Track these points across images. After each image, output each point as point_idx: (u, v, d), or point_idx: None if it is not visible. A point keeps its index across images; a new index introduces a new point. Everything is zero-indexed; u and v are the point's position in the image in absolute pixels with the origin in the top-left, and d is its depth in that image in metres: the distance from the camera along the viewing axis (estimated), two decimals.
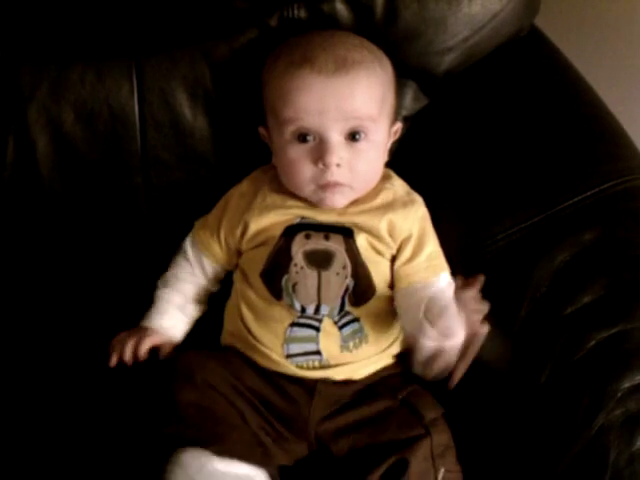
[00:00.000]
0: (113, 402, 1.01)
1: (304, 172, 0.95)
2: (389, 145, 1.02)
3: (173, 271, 1.04)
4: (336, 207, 0.97)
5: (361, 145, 0.95)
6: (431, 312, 0.87)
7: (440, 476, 0.91)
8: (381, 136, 0.98)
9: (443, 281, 0.97)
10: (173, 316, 1.02)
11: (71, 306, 1.11)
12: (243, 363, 0.96)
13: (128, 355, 0.99)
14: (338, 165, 0.94)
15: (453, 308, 0.85)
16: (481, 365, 0.92)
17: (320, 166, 0.94)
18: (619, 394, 0.87)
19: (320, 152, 0.93)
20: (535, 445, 0.91)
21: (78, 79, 1.05)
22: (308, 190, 0.96)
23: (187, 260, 1.04)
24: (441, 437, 0.92)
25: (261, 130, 1.02)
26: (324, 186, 0.95)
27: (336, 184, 0.95)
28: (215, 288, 1.06)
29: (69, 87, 1.05)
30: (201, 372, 0.93)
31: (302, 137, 0.94)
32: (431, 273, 0.97)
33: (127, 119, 1.07)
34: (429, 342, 0.87)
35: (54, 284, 1.12)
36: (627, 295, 0.93)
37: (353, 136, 0.94)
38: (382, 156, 1.00)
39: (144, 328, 1.01)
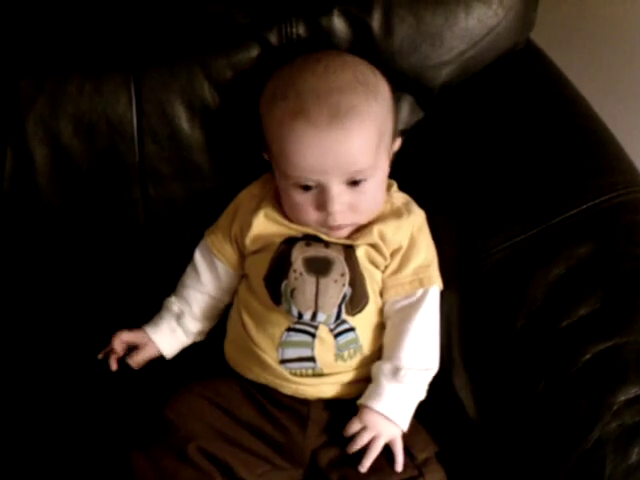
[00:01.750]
0: (110, 404, 1.03)
1: (308, 216, 0.97)
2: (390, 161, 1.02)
3: (183, 280, 1.05)
4: (343, 236, 0.98)
5: (362, 187, 0.95)
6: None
7: None
8: (381, 170, 0.98)
9: (427, 295, 0.98)
10: (169, 332, 1.04)
11: (69, 318, 1.11)
12: (238, 395, 0.97)
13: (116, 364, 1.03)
14: (341, 212, 0.95)
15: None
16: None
17: (323, 212, 0.95)
18: (615, 407, 0.87)
19: (322, 200, 0.95)
20: (531, 459, 0.91)
21: (76, 91, 1.05)
22: (314, 227, 0.98)
23: (196, 271, 1.04)
24: (434, 478, 0.93)
25: (265, 155, 1.02)
26: (329, 227, 0.97)
27: (340, 226, 0.97)
28: (227, 298, 1.06)
29: (67, 99, 1.05)
30: (193, 419, 0.94)
31: (304, 186, 0.95)
32: (416, 286, 0.98)
33: (125, 131, 1.07)
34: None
35: (52, 296, 1.12)
36: (622, 308, 0.93)
37: (354, 181, 0.95)
38: (384, 183, 1.00)
39: (141, 335, 1.03)
